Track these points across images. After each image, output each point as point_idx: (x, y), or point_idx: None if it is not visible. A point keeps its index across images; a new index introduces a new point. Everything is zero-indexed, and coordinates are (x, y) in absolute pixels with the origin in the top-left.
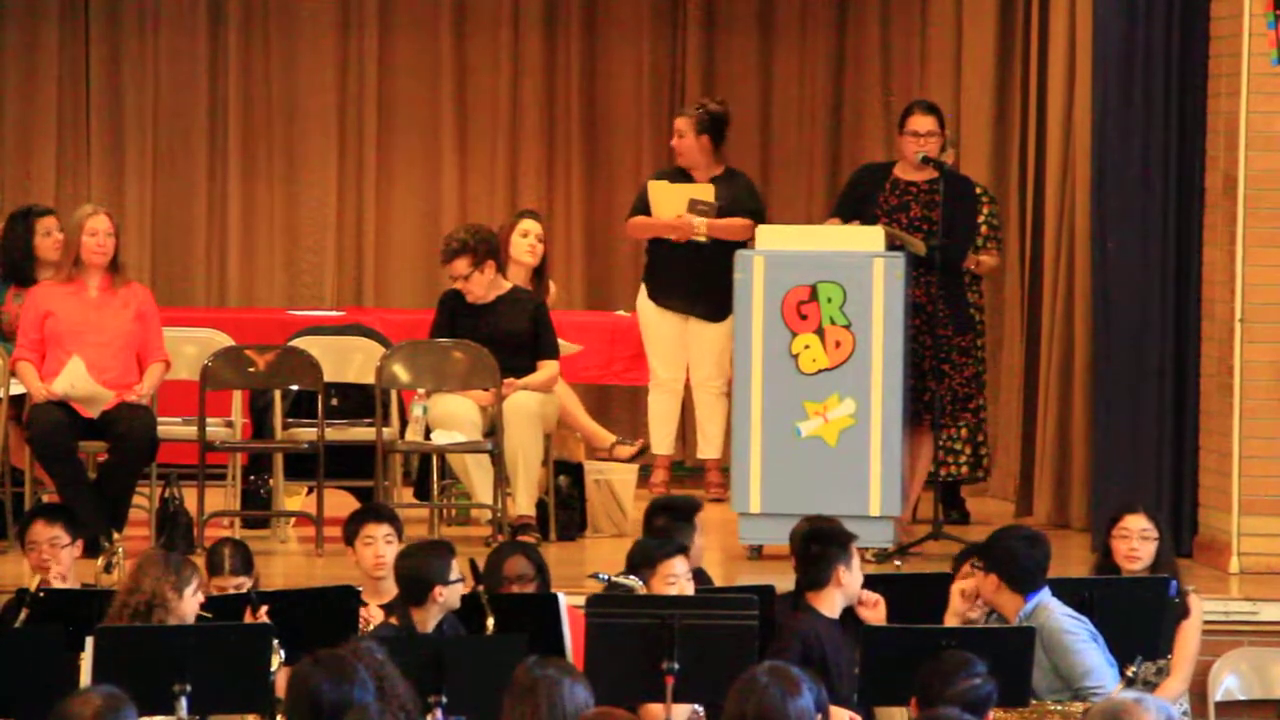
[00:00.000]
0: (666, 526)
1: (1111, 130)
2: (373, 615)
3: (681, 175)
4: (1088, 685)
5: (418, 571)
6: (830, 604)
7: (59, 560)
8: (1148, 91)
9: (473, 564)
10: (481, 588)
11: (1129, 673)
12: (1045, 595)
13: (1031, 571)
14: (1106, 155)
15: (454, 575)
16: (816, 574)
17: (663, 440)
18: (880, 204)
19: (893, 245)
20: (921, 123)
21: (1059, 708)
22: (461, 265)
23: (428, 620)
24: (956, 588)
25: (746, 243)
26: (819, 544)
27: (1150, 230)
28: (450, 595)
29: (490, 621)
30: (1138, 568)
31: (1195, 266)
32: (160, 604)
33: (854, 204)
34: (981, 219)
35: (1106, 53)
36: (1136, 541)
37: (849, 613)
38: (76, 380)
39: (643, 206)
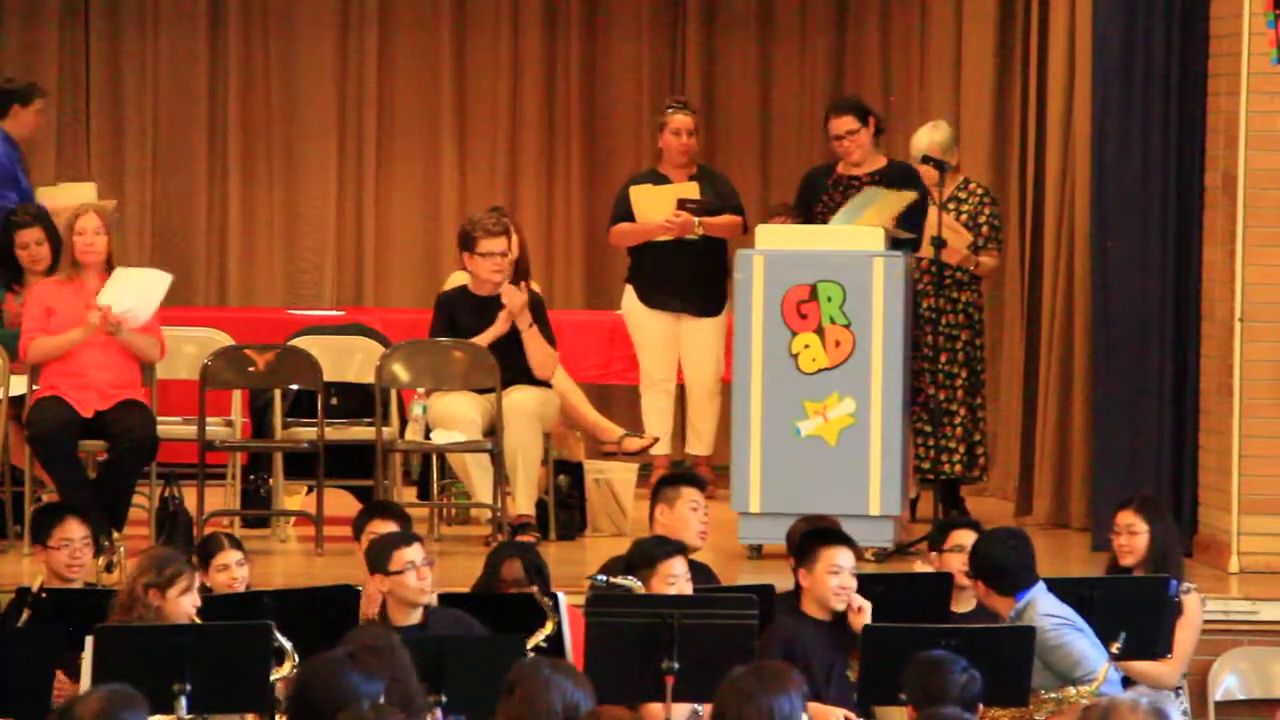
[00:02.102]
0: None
1: (1111, 130)
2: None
3: (658, 177)
4: (1079, 675)
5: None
6: (810, 605)
7: (86, 559)
8: (1147, 91)
9: (525, 567)
10: (538, 592)
11: (1114, 649)
12: (1035, 592)
13: (1013, 572)
14: (1106, 155)
15: (396, 565)
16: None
17: (661, 440)
18: (825, 201)
19: (895, 244)
20: (837, 125)
21: (1053, 695)
22: (505, 243)
23: (398, 615)
24: None
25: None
26: (806, 541)
27: (1150, 230)
28: (394, 585)
29: (549, 625)
30: (1129, 562)
31: (1195, 266)
32: (139, 602)
33: (805, 209)
34: (983, 219)
35: (1106, 52)
36: (1125, 537)
37: (843, 616)
38: (126, 282)
39: (623, 213)
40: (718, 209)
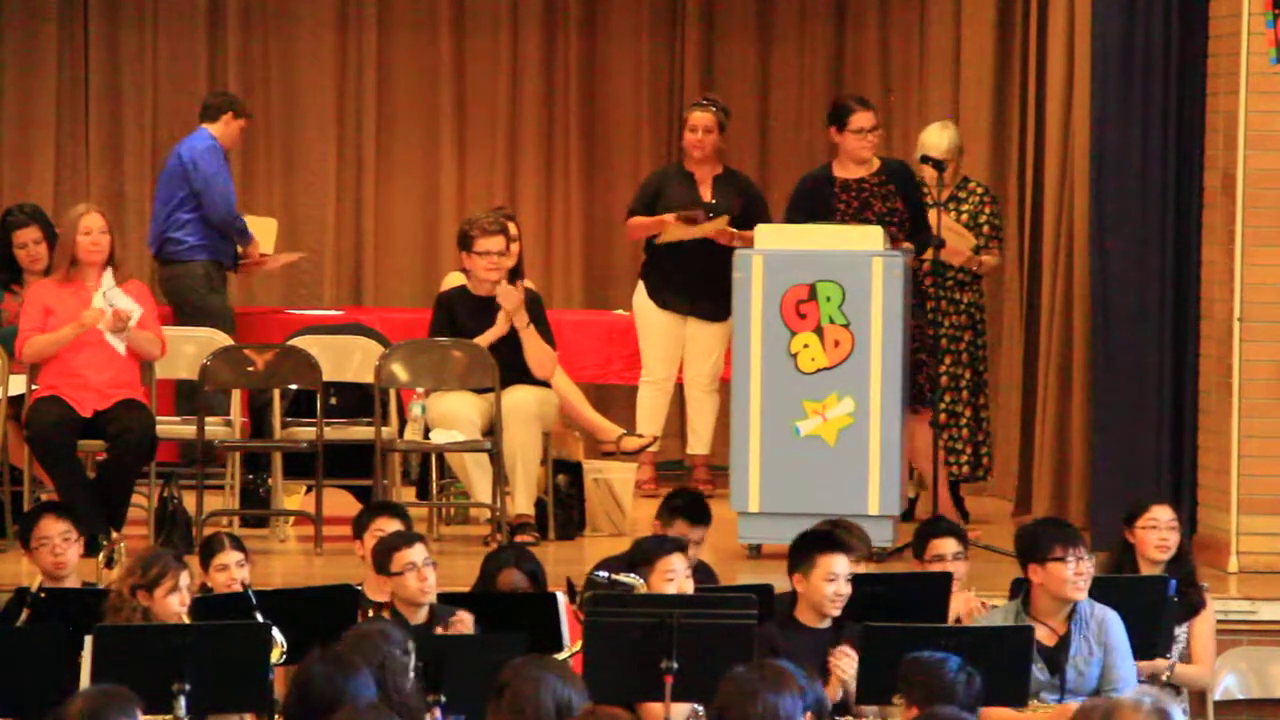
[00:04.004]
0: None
1: (1111, 130)
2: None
3: (684, 174)
4: (1107, 688)
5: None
6: (804, 611)
7: (69, 556)
8: (1147, 91)
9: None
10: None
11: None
12: None
13: None
14: (1105, 155)
15: (396, 567)
16: None
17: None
18: (839, 209)
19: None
20: (864, 119)
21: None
22: (502, 241)
23: (406, 614)
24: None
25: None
26: (803, 546)
27: (1149, 230)
28: (395, 586)
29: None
30: (1167, 558)
31: (1194, 266)
32: (127, 604)
33: (807, 215)
34: (984, 218)
35: (1106, 52)
36: (1166, 531)
37: (840, 621)
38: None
39: (641, 207)
40: (750, 223)
